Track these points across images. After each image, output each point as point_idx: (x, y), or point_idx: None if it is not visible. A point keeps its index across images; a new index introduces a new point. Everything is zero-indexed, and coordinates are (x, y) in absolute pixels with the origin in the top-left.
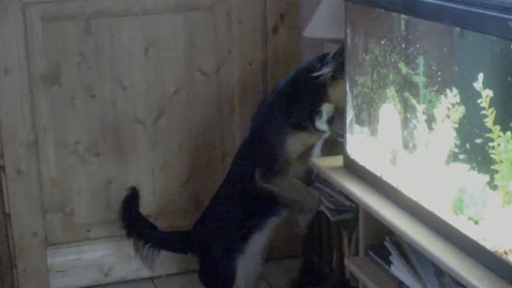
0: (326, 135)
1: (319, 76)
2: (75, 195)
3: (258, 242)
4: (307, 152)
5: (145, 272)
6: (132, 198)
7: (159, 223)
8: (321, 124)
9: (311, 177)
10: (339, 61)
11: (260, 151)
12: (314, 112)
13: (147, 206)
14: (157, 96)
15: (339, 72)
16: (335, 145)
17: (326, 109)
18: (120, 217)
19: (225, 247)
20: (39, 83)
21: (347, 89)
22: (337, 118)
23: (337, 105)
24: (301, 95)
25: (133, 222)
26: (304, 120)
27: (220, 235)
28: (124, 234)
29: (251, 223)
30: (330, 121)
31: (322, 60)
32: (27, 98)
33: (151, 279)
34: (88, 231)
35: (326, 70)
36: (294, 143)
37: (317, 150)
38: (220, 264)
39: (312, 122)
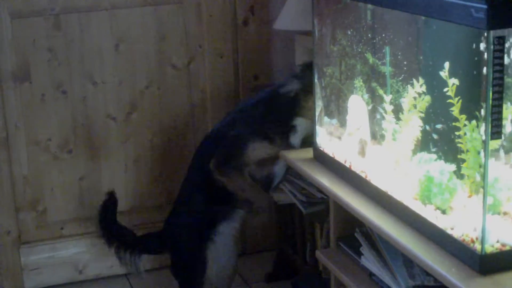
0: None
1: (290, 91)
2: (48, 192)
3: (227, 231)
4: (270, 161)
5: (120, 269)
6: (110, 203)
7: (133, 219)
8: (295, 139)
9: (271, 185)
10: (308, 73)
11: (223, 142)
12: (287, 126)
13: (120, 202)
14: (128, 91)
15: (309, 84)
16: None
17: (302, 124)
18: (98, 225)
19: (193, 235)
20: (9, 80)
21: (316, 80)
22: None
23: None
24: (278, 106)
25: (112, 230)
26: (273, 133)
27: (187, 225)
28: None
29: (216, 210)
30: (306, 140)
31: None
32: None
33: (126, 275)
34: (62, 228)
35: (292, 84)
36: (257, 150)
37: (282, 162)
38: (190, 254)
39: (285, 136)
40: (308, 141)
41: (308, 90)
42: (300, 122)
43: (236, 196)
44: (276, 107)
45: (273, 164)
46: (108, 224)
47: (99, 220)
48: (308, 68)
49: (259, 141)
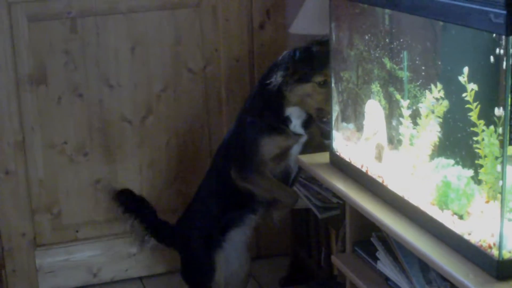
0: (303, 139)
1: (273, 83)
2: (63, 195)
3: (237, 237)
4: (283, 155)
5: (134, 272)
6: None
7: None
8: (294, 128)
9: (289, 179)
10: (284, 66)
11: (237, 150)
12: (282, 117)
13: None
14: (144, 95)
15: (289, 76)
16: (320, 148)
17: (294, 113)
18: (117, 198)
19: (203, 241)
20: (26, 83)
21: (333, 84)
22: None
23: (301, 108)
24: (268, 100)
25: (131, 200)
26: (277, 123)
27: (198, 229)
28: (119, 216)
29: (229, 218)
30: (306, 124)
31: (281, 62)
32: (14, 98)
33: (140, 279)
34: (77, 231)
35: (275, 77)
36: (268, 145)
37: (294, 153)
38: (199, 258)
39: (286, 126)
40: (311, 125)
41: (289, 81)
42: (291, 111)
43: (262, 199)
44: (268, 98)
45: (287, 158)
46: (126, 196)
47: (116, 195)
48: (290, 57)
49: (267, 136)
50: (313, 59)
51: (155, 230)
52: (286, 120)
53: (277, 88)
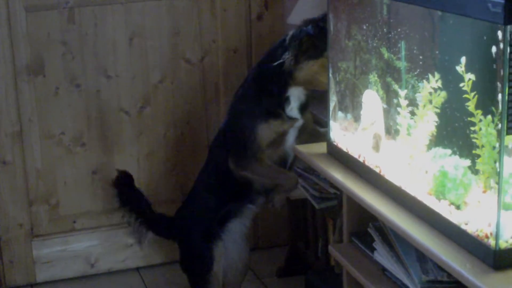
0: (298, 123)
1: (282, 64)
2: (61, 185)
3: (236, 228)
4: (279, 140)
5: (132, 263)
6: (125, 177)
7: None
8: (291, 111)
9: (286, 164)
10: (297, 43)
11: (233, 140)
12: (281, 99)
13: None
14: (141, 86)
15: (300, 54)
16: (313, 135)
17: (295, 94)
18: (114, 186)
19: (202, 232)
20: (23, 73)
21: (330, 75)
22: (316, 103)
23: (308, 87)
24: (267, 84)
25: (127, 193)
26: (274, 108)
27: (197, 221)
28: (116, 207)
29: (227, 209)
30: (302, 108)
31: (282, 45)
32: (11, 88)
33: (137, 269)
34: (74, 222)
35: (286, 57)
36: (265, 130)
37: (290, 138)
38: (197, 249)
39: (282, 109)
40: (306, 110)
41: (300, 59)
42: (292, 92)
43: (261, 187)
44: (266, 81)
45: (284, 143)
46: (126, 187)
47: (114, 184)
48: (293, 39)
49: (264, 121)
50: (324, 34)
51: (152, 224)
52: (285, 102)
53: (279, 69)
